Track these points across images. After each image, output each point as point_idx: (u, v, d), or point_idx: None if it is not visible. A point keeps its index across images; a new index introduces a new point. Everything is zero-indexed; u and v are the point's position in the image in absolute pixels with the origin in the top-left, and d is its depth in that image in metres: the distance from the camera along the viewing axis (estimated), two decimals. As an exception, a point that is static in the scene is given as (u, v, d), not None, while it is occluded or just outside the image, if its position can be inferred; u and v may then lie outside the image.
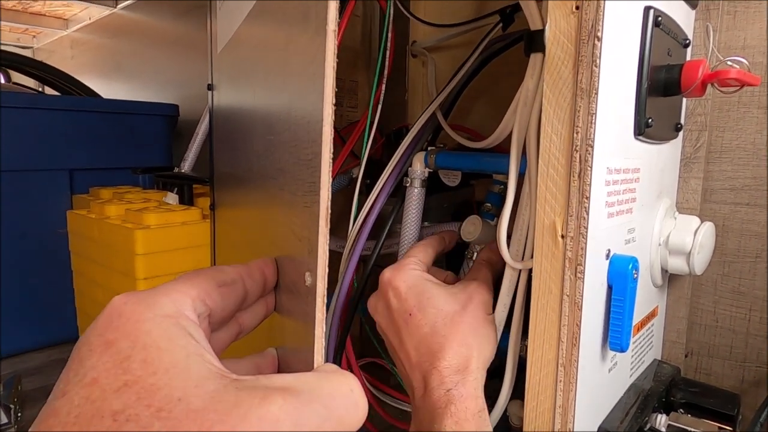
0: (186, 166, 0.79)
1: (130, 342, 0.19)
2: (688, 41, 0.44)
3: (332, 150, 0.21)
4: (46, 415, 0.18)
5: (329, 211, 0.22)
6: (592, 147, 0.32)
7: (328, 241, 0.22)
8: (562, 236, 0.34)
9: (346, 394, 0.21)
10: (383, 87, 0.56)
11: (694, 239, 0.45)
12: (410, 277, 0.42)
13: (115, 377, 0.18)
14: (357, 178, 0.56)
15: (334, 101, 0.21)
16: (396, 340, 0.42)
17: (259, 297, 0.29)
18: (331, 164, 0.21)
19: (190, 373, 0.19)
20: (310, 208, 0.23)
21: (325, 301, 0.22)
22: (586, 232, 0.33)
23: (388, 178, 0.52)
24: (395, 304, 0.42)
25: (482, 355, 0.39)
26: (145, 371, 0.18)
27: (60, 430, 0.17)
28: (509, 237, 0.40)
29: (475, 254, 0.49)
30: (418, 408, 0.39)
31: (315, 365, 0.23)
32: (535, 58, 0.36)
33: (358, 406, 0.21)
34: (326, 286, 0.22)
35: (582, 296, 0.34)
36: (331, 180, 0.21)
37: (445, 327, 0.39)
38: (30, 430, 0.18)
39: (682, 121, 0.48)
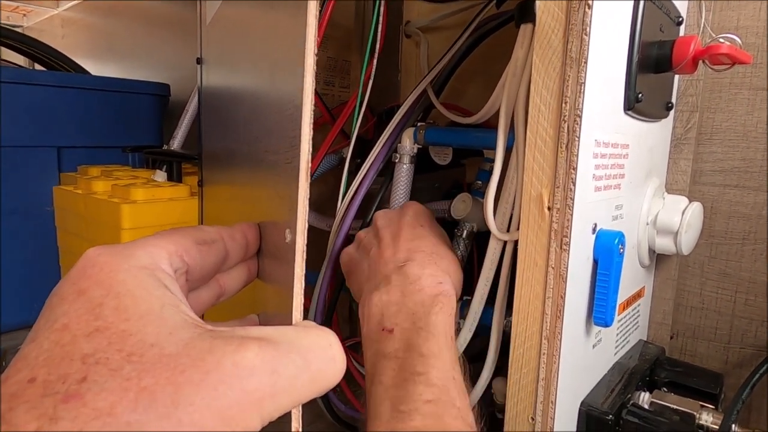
0: (175, 144, 0.78)
1: (103, 290, 0.19)
2: (681, 19, 0.44)
3: (313, 102, 0.21)
4: (15, 360, 0.18)
5: (309, 164, 0.21)
6: (581, 117, 0.32)
7: (308, 196, 0.22)
8: (549, 208, 0.34)
9: (324, 348, 0.21)
10: (374, 64, 0.55)
11: (681, 219, 0.45)
12: (428, 212, 0.48)
13: (87, 323, 0.18)
14: (347, 157, 0.56)
15: (316, 51, 0.21)
16: (390, 231, 0.44)
17: (240, 260, 0.29)
18: (312, 116, 0.21)
19: (164, 321, 0.19)
20: (291, 164, 0.22)
21: (305, 257, 0.22)
22: (573, 204, 0.33)
23: (377, 155, 0.52)
24: (410, 217, 0.45)
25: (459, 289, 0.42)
26: (117, 318, 0.18)
27: (27, 372, 0.17)
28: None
29: (465, 231, 0.49)
30: (396, 275, 0.39)
31: (293, 322, 0.23)
32: (525, 29, 0.36)
33: (335, 361, 0.21)
34: (306, 242, 0.22)
35: (567, 269, 0.33)
36: (311, 132, 0.21)
37: (445, 248, 0.43)
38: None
39: (674, 101, 0.48)
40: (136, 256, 0.21)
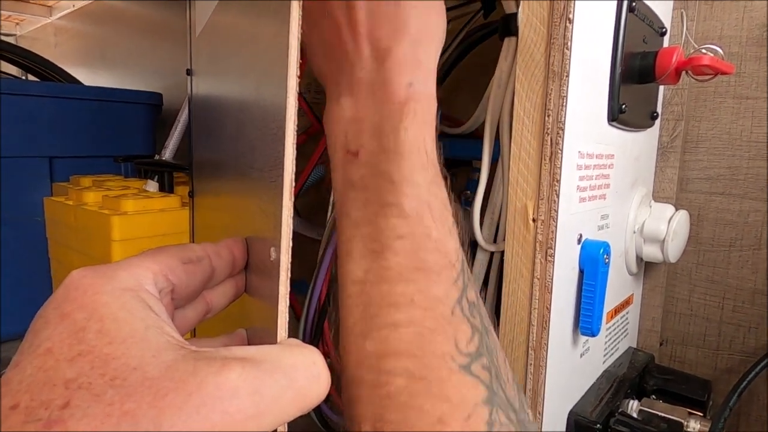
0: (167, 154, 0.78)
1: (87, 313, 0.19)
2: (664, 30, 0.45)
3: (296, 122, 0.21)
4: (-2, 386, 0.18)
5: (293, 183, 0.22)
6: (563, 130, 0.32)
7: (292, 215, 0.22)
8: (534, 220, 0.34)
9: (308, 366, 0.21)
10: (364, 74, 0.56)
11: (668, 227, 0.45)
12: None
13: (70, 347, 0.18)
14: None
15: (298, 73, 0.21)
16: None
17: (227, 276, 0.29)
18: (295, 136, 0.21)
19: (147, 343, 0.19)
20: (276, 182, 0.23)
21: (289, 275, 0.22)
22: (557, 215, 0.33)
23: (367, 164, 0.52)
24: None
25: (438, 54, 0.32)
26: (100, 341, 0.18)
27: (10, 399, 0.17)
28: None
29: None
30: (357, 81, 0.31)
31: (278, 340, 0.23)
32: (509, 42, 0.36)
33: (320, 379, 0.21)
34: (290, 260, 0.22)
35: (552, 280, 0.34)
36: (295, 152, 0.21)
37: (419, 14, 0.31)
38: None
39: (659, 110, 0.49)
40: (120, 278, 0.21)
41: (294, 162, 0.21)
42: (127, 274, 0.21)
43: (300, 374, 0.20)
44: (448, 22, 0.64)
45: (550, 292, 0.34)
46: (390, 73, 0.30)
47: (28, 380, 0.17)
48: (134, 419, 0.16)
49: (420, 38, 0.30)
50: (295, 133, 0.21)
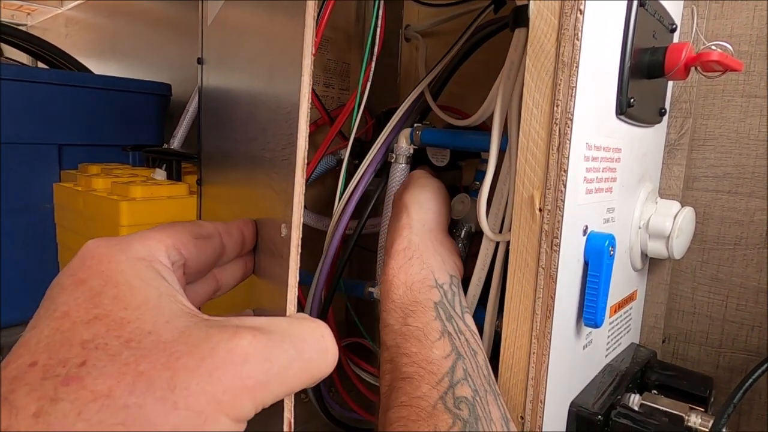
0: (175, 143, 0.79)
1: (102, 280, 0.20)
2: (674, 26, 0.45)
3: (310, 100, 0.22)
4: (16, 347, 0.18)
5: (305, 160, 0.22)
6: (572, 121, 0.32)
7: (303, 192, 0.22)
8: (540, 209, 0.34)
9: (316, 339, 0.21)
10: (372, 66, 0.56)
11: (673, 223, 0.46)
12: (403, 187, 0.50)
13: (86, 311, 0.19)
14: (345, 158, 0.57)
15: (313, 52, 0.21)
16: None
17: (237, 255, 0.30)
18: (309, 113, 0.22)
19: (161, 310, 0.19)
20: (288, 161, 0.23)
21: (299, 251, 0.23)
22: (563, 205, 0.33)
23: (374, 156, 0.53)
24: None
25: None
26: (115, 306, 0.19)
27: (29, 357, 0.17)
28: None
29: (463, 231, 0.50)
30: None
31: (288, 314, 0.23)
32: (519, 33, 0.37)
33: (327, 351, 0.21)
34: (300, 236, 0.23)
35: (557, 269, 0.34)
36: (308, 130, 0.22)
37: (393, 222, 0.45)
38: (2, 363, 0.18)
39: (667, 106, 0.49)
40: (134, 248, 0.22)
41: (307, 139, 0.22)
42: (141, 245, 0.22)
43: (308, 346, 0.21)
44: (460, 15, 0.64)
45: (555, 282, 0.34)
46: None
47: (45, 341, 0.18)
48: (149, 379, 0.16)
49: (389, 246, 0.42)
50: (309, 110, 0.22)
